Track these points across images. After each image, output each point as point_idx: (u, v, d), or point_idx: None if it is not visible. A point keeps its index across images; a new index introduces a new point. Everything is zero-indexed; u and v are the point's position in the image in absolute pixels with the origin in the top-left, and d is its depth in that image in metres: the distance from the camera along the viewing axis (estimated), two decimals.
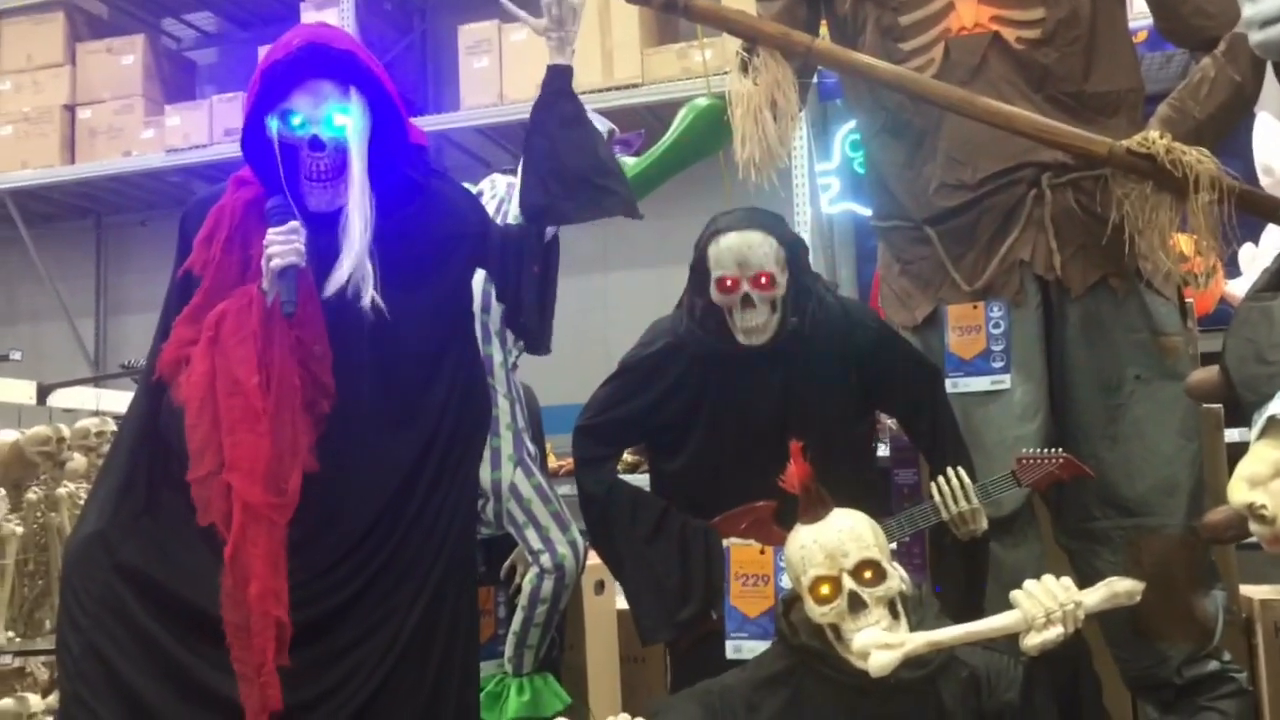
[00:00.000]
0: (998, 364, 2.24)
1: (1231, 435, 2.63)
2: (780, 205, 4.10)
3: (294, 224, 1.67)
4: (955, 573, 2.03)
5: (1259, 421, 1.22)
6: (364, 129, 1.71)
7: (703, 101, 2.40)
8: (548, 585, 2.31)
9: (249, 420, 1.59)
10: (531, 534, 2.33)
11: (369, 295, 1.67)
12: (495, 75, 4.60)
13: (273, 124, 1.69)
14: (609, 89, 4.47)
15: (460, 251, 1.86)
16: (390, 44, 4.99)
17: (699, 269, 2.09)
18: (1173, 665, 2.13)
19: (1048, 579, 1.48)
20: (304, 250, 1.66)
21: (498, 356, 2.36)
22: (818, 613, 1.55)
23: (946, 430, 2.13)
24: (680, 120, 2.42)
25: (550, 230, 1.89)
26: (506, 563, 2.48)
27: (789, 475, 1.63)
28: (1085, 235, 2.23)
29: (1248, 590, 2.67)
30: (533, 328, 1.88)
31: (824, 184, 4.76)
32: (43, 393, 2.97)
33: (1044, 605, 1.43)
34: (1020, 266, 2.25)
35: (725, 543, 1.99)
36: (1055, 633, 1.41)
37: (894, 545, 1.90)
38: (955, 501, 1.97)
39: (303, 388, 1.65)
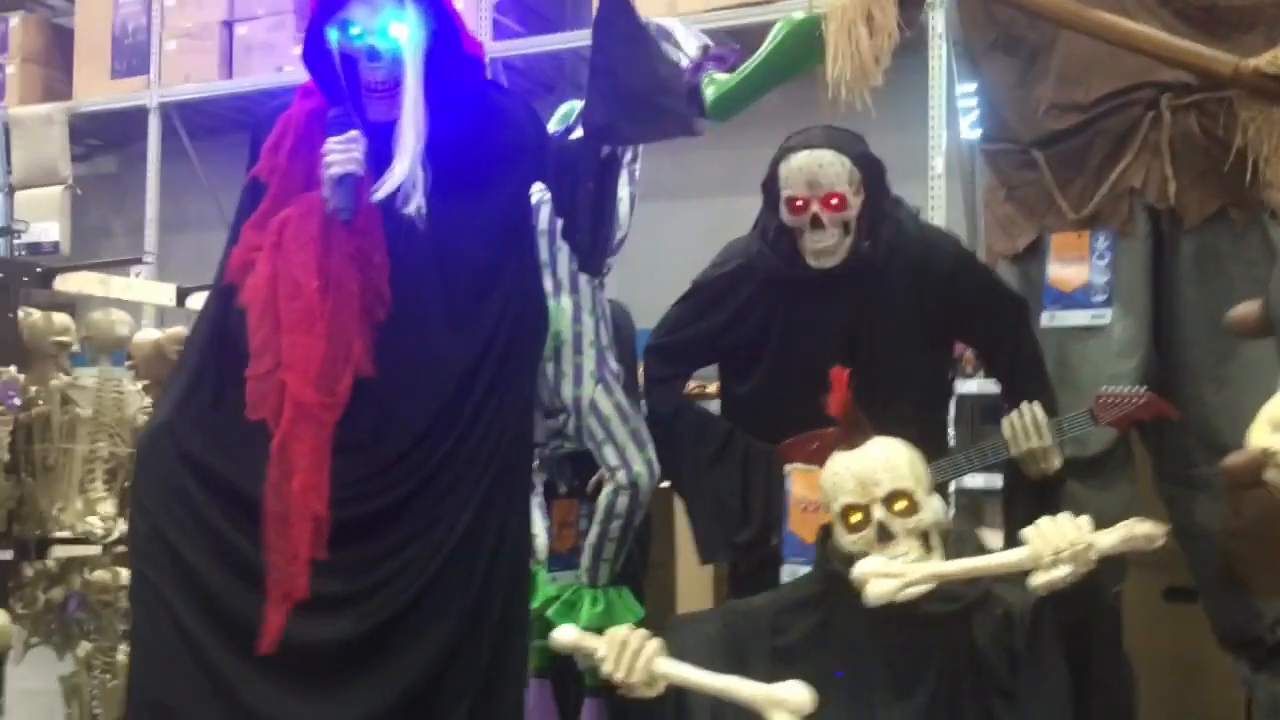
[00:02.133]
0: (1099, 297, 2.13)
1: None
2: (915, 128, 3.99)
3: (353, 133, 1.70)
4: (1026, 513, 1.96)
5: None
6: (420, 40, 1.72)
7: (798, 15, 2.31)
8: (622, 501, 2.34)
9: (306, 322, 1.65)
10: (609, 450, 2.36)
11: (416, 202, 1.70)
12: None
13: (332, 34, 1.72)
14: (741, 5, 4.35)
15: (518, 164, 1.86)
16: None
17: (770, 189, 2.05)
18: (1266, 622, 2.02)
19: (1063, 517, 1.42)
20: (362, 159, 1.70)
21: (583, 274, 2.38)
22: (847, 540, 1.53)
23: (1027, 363, 2.04)
24: (774, 35, 2.33)
25: (606, 149, 1.87)
26: (595, 478, 2.53)
27: (831, 400, 1.60)
28: (1205, 162, 2.08)
29: None
30: (585, 245, 1.88)
31: (965, 106, 4.54)
32: (181, 295, 3.15)
33: (1053, 544, 1.37)
34: (1131, 194, 2.12)
35: (787, 468, 1.97)
36: (1063, 572, 1.35)
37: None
38: (1027, 438, 1.89)
39: (360, 294, 1.70)
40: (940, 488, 2.05)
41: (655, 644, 1.47)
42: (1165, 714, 2.52)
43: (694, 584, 2.77)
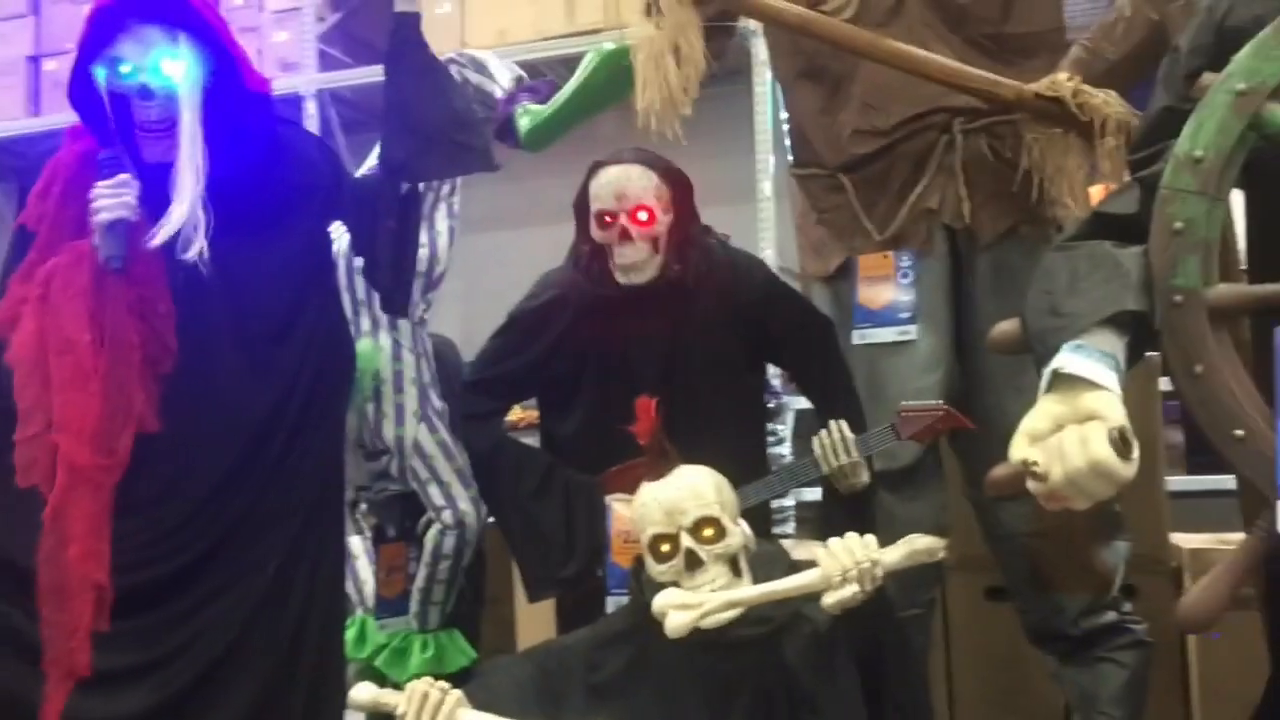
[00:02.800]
0: (904, 315, 2.20)
1: (1164, 384, 2.59)
2: (743, 152, 4.07)
3: (124, 176, 1.64)
4: (841, 527, 2.00)
5: (1045, 376, 1.19)
6: (197, 77, 1.67)
7: (608, 46, 2.35)
8: (449, 541, 2.32)
9: (79, 379, 1.58)
10: (434, 490, 2.33)
11: (198, 246, 1.64)
12: (457, 22, 4.53)
13: (100, 73, 1.66)
14: (572, 35, 4.37)
15: (311, 203, 1.82)
16: None
17: (581, 206, 2.06)
18: (1069, 616, 2.11)
19: (850, 536, 1.46)
20: (134, 203, 1.63)
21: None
22: (656, 570, 1.53)
23: (835, 382, 2.09)
24: (585, 66, 2.36)
25: (411, 184, 1.85)
26: (424, 519, 2.49)
27: (638, 430, 1.61)
28: (996, 182, 2.18)
29: (1179, 539, 2.63)
30: (386, 284, 1.85)
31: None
32: None
33: (842, 563, 1.41)
34: (929, 215, 2.20)
35: (608, 499, 1.97)
36: (851, 591, 1.39)
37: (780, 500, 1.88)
38: (836, 455, 1.94)
39: (142, 345, 1.63)
40: (764, 506, 2.10)
41: (456, 696, 1.44)
42: (992, 708, 2.62)
43: (534, 619, 2.74)
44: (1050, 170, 2.12)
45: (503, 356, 2.14)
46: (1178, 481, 3.08)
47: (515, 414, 2.36)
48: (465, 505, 2.31)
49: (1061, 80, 2.07)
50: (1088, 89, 2.05)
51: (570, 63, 4.14)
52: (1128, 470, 1.13)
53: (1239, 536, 1.25)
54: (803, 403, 3.24)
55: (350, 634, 2.29)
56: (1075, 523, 2.10)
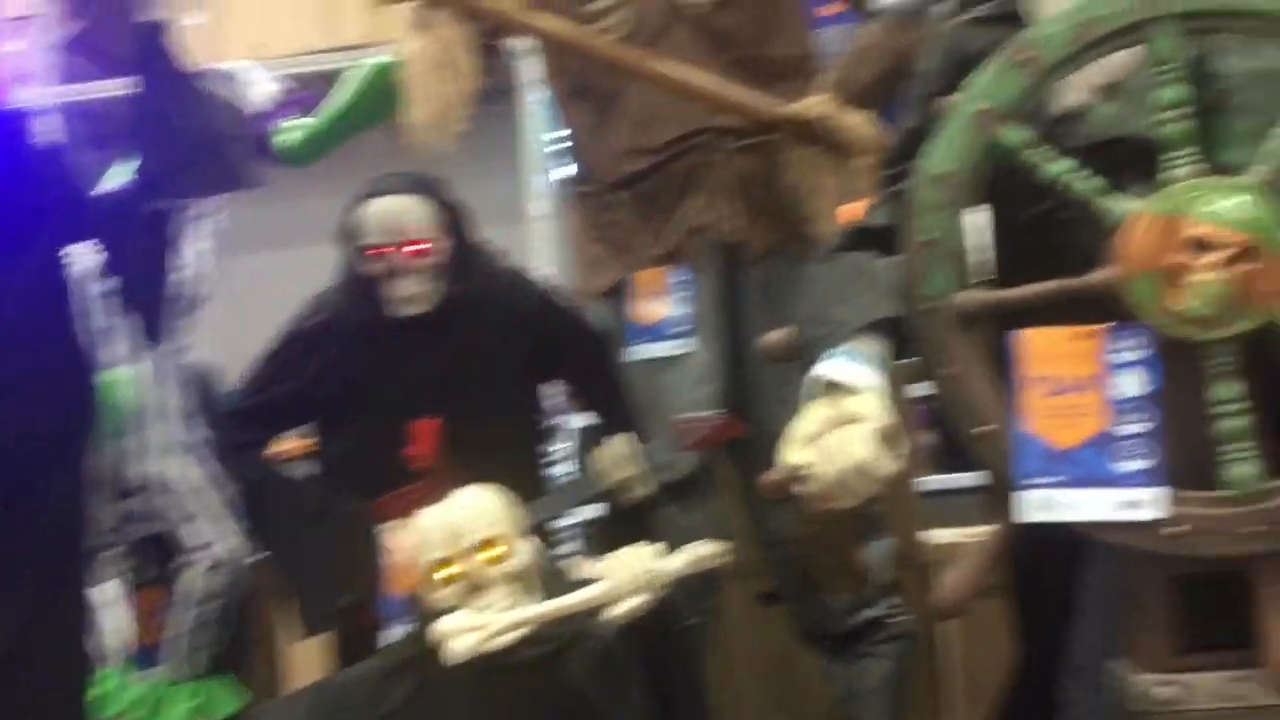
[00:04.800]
0: (679, 329, 2.25)
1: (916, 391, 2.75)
2: (513, 172, 4.07)
3: None
4: (625, 541, 2.02)
5: (814, 381, 1.24)
6: None
7: (374, 61, 2.29)
8: (216, 580, 2.18)
9: None
10: (196, 526, 2.19)
11: None
12: (209, 34, 4.31)
13: None
14: (333, 50, 4.25)
15: (45, 223, 1.69)
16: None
17: (347, 237, 2.00)
18: (835, 615, 2.21)
19: (635, 547, 1.48)
20: None
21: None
22: (439, 595, 1.50)
23: (616, 396, 2.12)
24: (350, 81, 2.30)
25: (163, 203, 1.74)
26: (184, 558, 2.33)
27: (416, 453, 1.57)
28: (762, 199, 2.26)
29: (931, 534, 2.79)
30: (141, 307, 1.74)
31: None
32: None
33: (627, 574, 1.43)
34: (701, 231, 2.26)
35: (383, 527, 1.91)
36: (639, 600, 1.41)
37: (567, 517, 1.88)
38: (616, 469, 1.96)
39: None
40: (545, 526, 2.09)
41: None
42: (766, 709, 2.70)
43: (307, 658, 2.62)
44: (810, 188, 2.22)
45: (269, 382, 2.04)
46: (929, 481, 3.27)
47: (285, 444, 2.26)
48: (232, 541, 2.19)
49: (817, 102, 2.18)
50: (841, 110, 2.17)
51: (331, 78, 4.02)
52: (890, 468, 1.20)
53: (985, 529, 1.34)
54: (581, 422, 3.27)
55: (101, 690, 2.12)
56: (839, 524, 2.21)
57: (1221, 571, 1.19)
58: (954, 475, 3.42)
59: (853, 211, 2.27)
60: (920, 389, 2.60)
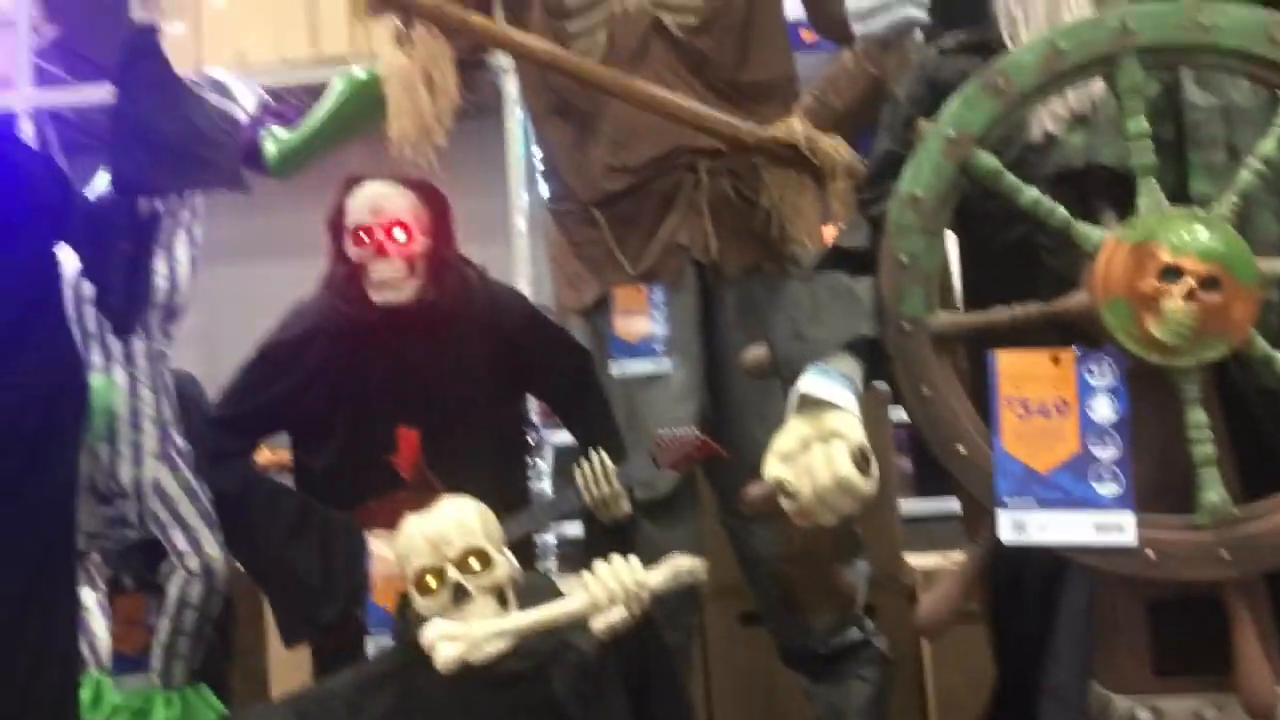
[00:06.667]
0: (660, 347, 2.26)
1: (897, 413, 2.78)
2: (497, 188, 4.08)
3: None
4: (603, 558, 2.03)
5: (793, 397, 1.26)
6: None
7: (358, 73, 2.30)
8: (196, 589, 2.18)
9: None
10: (178, 535, 2.19)
11: None
12: (192, 43, 4.32)
13: None
14: (316, 61, 4.26)
15: (36, 226, 1.69)
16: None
17: (335, 223, 2.02)
18: (818, 636, 2.22)
19: (615, 560, 1.50)
20: None
21: (139, 344, 2.20)
22: (423, 605, 1.51)
23: (596, 414, 2.13)
24: (334, 92, 2.30)
25: (145, 206, 1.75)
26: (164, 567, 2.32)
27: (400, 462, 1.58)
28: (740, 220, 2.28)
29: (915, 560, 2.82)
30: (119, 309, 1.74)
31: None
32: None
33: (608, 588, 1.44)
34: (679, 250, 2.28)
35: (367, 536, 1.92)
36: (620, 614, 1.43)
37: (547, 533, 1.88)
38: (597, 485, 1.97)
39: None
40: (525, 541, 2.10)
41: None
42: None
43: (288, 670, 2.61)
44: (788, 210, 2.25)
45: (251, 391, 2.04)
46: (908, 505, 3.30)
47: (264, 455, 2.26)
48: (211, 550, 2.19)
49: (794, 126, 2.21)
50: (818, 134, 2.20)
51: (313, 90, 4.04)
52: (868, 486, 1.22)
53: (962, 553, 1.36)
54: (561, 438, 3.28)
55: (84, 696, 2.11)
56: (820, 545, 2.23)
57: (1196, 595, 1.21)
58: (929, 500, 3.47)
59: (832, 234, 2.31)
60: (897, 413, 2.67)
